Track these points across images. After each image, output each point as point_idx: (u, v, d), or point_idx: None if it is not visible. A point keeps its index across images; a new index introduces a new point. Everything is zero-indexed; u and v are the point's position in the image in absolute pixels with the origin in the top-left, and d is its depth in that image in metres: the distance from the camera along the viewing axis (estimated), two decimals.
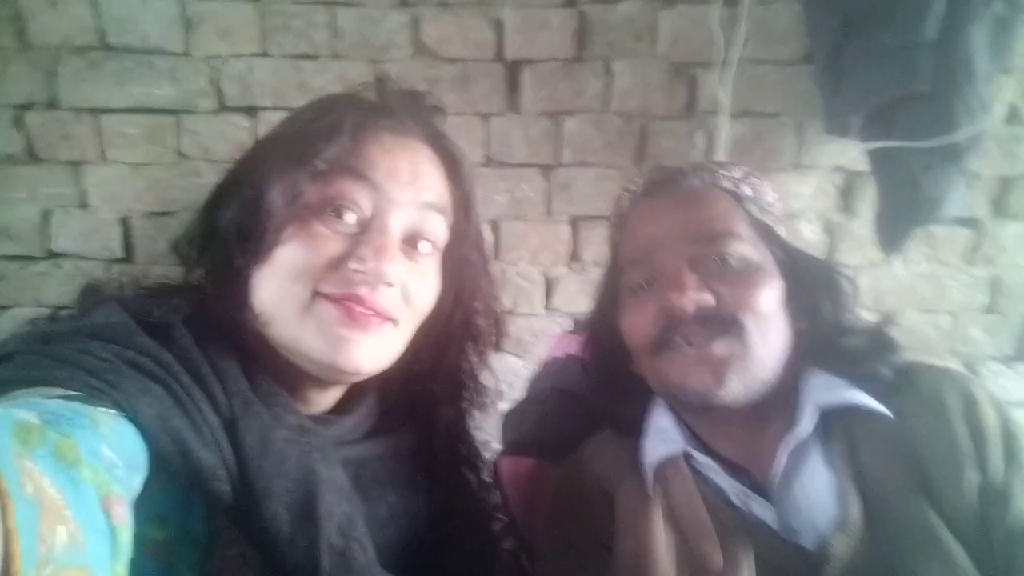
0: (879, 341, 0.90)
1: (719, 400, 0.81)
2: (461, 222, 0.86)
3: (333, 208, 0.75)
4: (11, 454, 0.44)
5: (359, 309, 0.74)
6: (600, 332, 0.99)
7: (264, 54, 1.72)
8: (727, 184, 0.91)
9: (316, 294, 0.74)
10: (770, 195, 0.93)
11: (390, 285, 0.75)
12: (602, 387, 1.02)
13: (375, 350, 0.77)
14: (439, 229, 0.82)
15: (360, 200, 0.76)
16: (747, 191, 0.91)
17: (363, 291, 0.73)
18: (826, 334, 0.89)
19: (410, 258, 0.79)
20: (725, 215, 0.87)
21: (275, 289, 0.74)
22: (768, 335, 0.83)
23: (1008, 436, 0.80)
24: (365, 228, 0.76)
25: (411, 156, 0.80)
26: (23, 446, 0.46)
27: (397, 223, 0.77)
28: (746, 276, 0.84)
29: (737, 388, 0.80)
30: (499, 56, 1.73)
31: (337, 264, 0.74)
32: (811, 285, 0.89)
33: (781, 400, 0.84)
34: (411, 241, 0.80)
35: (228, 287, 0.75)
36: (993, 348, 1.88)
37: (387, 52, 1.71)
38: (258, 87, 1.73)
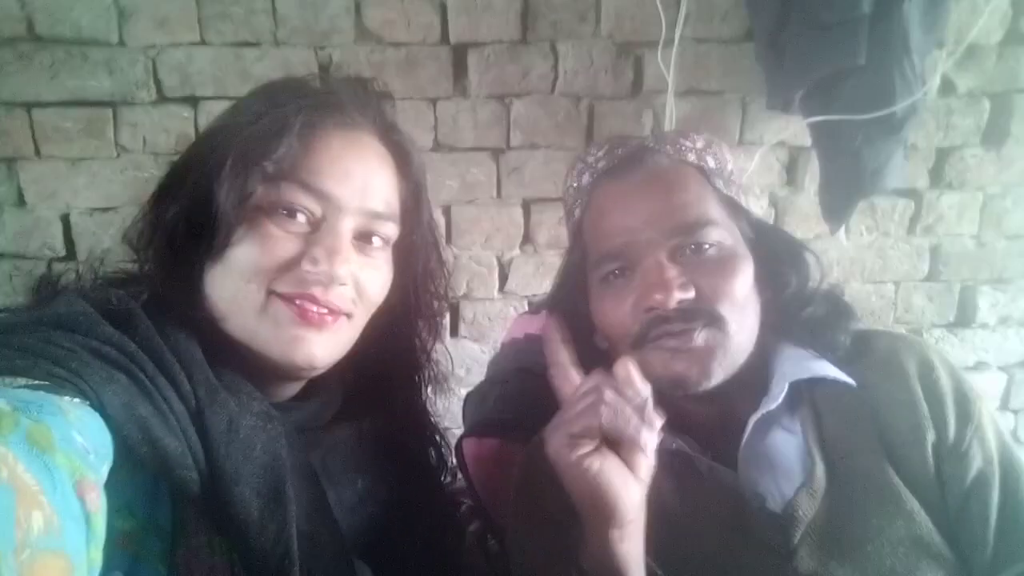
0: (838, 309, 0.92)
1: (702, 389, 0.82)
2: (412, 212, 0.87)
3: (284, 209, 0.75)
4: None
5: (313, 308, 0.75)
6: (563, 312, 0.98)
7: (203, 42, 1.68)
8: (692, 157, 0.90)
9: (270, 293, 0.75)
10: (731, 163, 0.93)
11: (343, 284, 0.76)
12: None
13: (329, 345, 0.78)
14: (389, 231, 0.83)
15: (310, 206, 0.76)
16: (712, 163, 0.90)
17: (317, 291, 0.75)
18: (790, 305, 0.91)
19: (362, 252, 0.80)
20: (698, 199, 0.86)
21: (229, 288, 0.75)
22: (744, 320, 0.84)
23: (961, 397, 0.83)
24: (316, 228, 0.76)
25: (361, 159, 0.80)
26: None
27: (347, 226, 0.78)
28: (723, 264, 0.84)
29: (719, 376, 0.82)
30: (444, 39, 1.71)
31: (290, 264, 0.75)
32: (777, 259, 0.90)
33: (749, 372, 0.85)
34: (363, 237, 0.81)
35: (179, 284, 0.75)
36: (936, 315, 1.95)
37: (330, 37, 1.68)
38: (198, 76, 1.69)
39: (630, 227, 0.86)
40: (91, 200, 1.73)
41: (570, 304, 0.96)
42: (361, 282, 0.79)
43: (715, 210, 0.87)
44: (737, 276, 0.84)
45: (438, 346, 1.00)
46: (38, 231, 1.73)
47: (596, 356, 0.92)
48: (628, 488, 0.71)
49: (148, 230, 0.78)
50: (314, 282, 0.74)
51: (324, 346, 0.77)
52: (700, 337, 0.81)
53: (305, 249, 0.75)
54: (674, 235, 0.84)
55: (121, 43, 1.66)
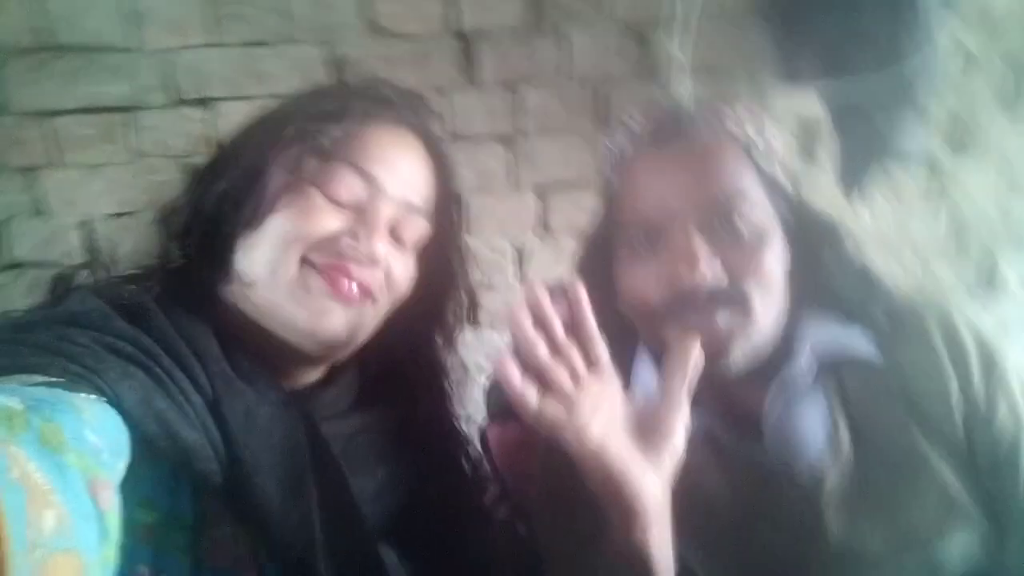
0: (873, 286, 0.90)
1: (722, 371, 0.80)
2: (445, 222, 0.90)
3: (333, 184, 0.78)
4: None
5: (345, 281, 0.76)
6: (587, 277, 0.97)
7: (216, 44, 1.70)
8: (735, 130, 0.87)
9: (304, 262, 0.76)
10: (775, 140, 0.90)
11: (377, 263, 0.78)
12: None
13: (353, 323, 0.79)
14: (419, 226, 0.85)
15: (356, 187, 0.79)
16: (755, 138, 0.87)
17: (352, 266, 0.76)
18: (826, 283, 0.89)
19: (393, 244, 0.82)
20: (735, 174, 0.83)
21: (263, 254, 0.76)
22: (770, 303, 0.82)
23: (985, 357, 0.82)
24: (359, 210, 0.78)
25: (408, 154, 0.84)
26: (8, 431, 0.46)
27: (387, 212, 0.80)
28: (754, 243, 0.81)
29: (739, 360, 0.80)
30: (453, 29, 1.72)
31: (331, 236, 0.76)
32: (815, 240, 0.88)
33: (774, 350, 0.84)
34: (396, 229, 0.82)
35: (212, 252, 0.77)
36: (958, 282, 1.92)
37: (340, 33, 1.70)
38: (212, 78, 1.70)
39: (662, 195, 0.83)
40: (110, 206, 1.74)
41: (595, 270, 0.94)
42: (391, 269, 0.81)
43: (751, 186, 0.84)
44: (767, 256, 0.81)
45: (460, 336, 1.00)
46: (59, 239, 1.74)
47: (620, 324, 0.91)
48: (646, 478, 0.69)
49: (189, 207, 0.80)
50: (352, 256, 0.76)
51: (348, 322, 0.78)
52: (722, 318, 0.79)
53: (347, 225, 0.77)
54: (706, 208, 0.81)
55: (136, 48, 1.68)
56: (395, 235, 0.83)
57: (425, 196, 0.85)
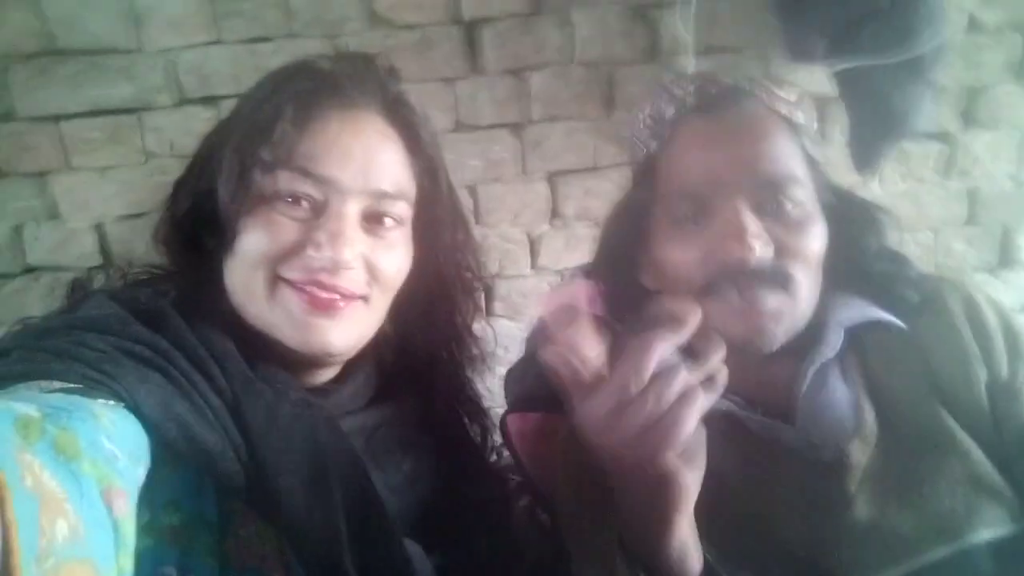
0: (902, 265, 0.90)
1: (760, 351, 0.80)
2: (428, 188, 0.86)
3: (285, 196, 0.75)
4: (11, 447, 0.44)
5: (322, 294, 0.74)
6: (616, 253, 0.96)
7: (218, 41, 1.68)
8: (784, 110, 0.86)
9: (279, 279, 0.75)
10: (815, 122, 0.90)
11: (349, 268, 0.75)
12: (615, 309, 0.98)
13: (346, 331, 0.77)
14: (399, 210, 0.81)
15: (309, 191, 0.75)
16: (801, 119, 0.87)
17: (323, 276, 0.74)
18: (858, 263, 0.89)
19: (373, 234, 0.79)
20: (788, 153, 0.83)
21: (241, 277, 0.76)
22: (813, 285, 0.82)
23: (1009, 332, 0.82)
24: (320, 213, 0.75)
25: (362, 138, 0.78)
26: (23, 439, 0.46)
27: (352, 209, 0.76)
28: (802, 225, 0.81)
29: (780, 341, 0.80)
30: (456, 18, 1.70)
31: (296, 249, 0.74)
32: (853, 223, 0.88)
33: (805, 328, 0.83)
34: (373, 219, 0.79)
35: (201, 278, 0.76)
36: (977, 259, 1.90)
37: (342, 26, 1.68)
38: (216, 76, 1.69)
39: (715, 168, 0.81)
40: (121, 208, 1.74)
41: (624, 245, 0.93)
42: (374, 264, 0.78)
43: (800, 167, 0.83)
44: (814, 238, 0.81)
45: (479, 324, 0.99)
46: (73, 242, 1.75)
47: (636, 300, 0.90)
48: (693, 470, 0.66)
49: (164, 227, 0.80)
50: (319, 268, 0.74)
51: (339, 332, 0.76)
52: (770, 300, 0.78)
53: (309, 234, 0.74)
54: (760, 185, 0.80)
55: (138, 49, 1.67)
56: (373, 225, 0.79)
57: (395, 177, 0.80)
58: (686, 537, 0.69)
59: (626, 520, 0.72)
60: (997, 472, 0.77)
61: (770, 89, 0.87)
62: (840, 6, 1.41)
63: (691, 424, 0.60)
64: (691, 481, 0.66)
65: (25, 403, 0.50)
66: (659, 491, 0.65)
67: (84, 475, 0.49)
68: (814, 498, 0.79)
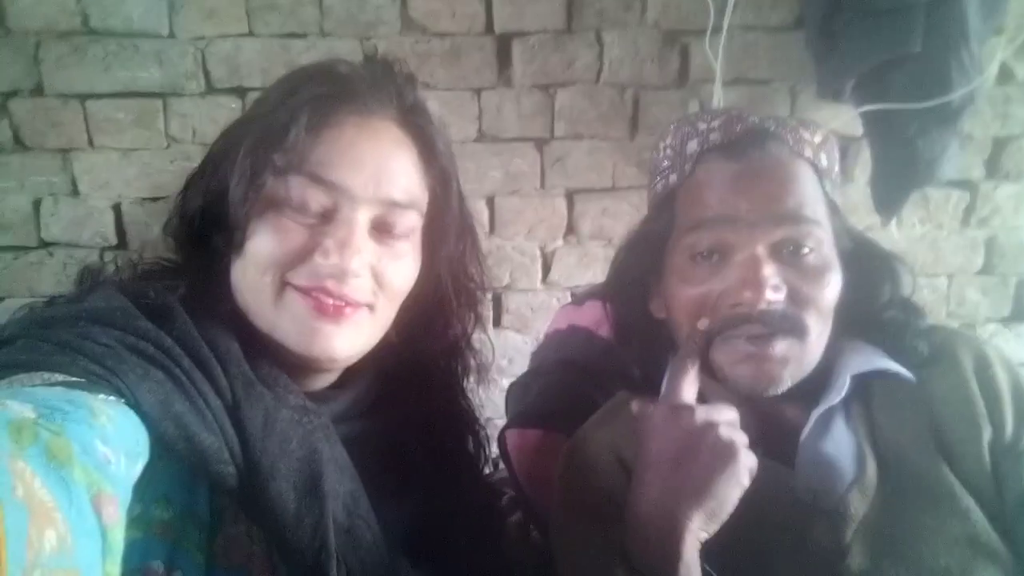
0: (914, 314, 0.88)
1: (766, 394, 0.79)
2: (440, 198, 0.85)
3: (295, 201, 0.74)
4: (4, 456, 0.45)
5: (329, 301, 0.74)
6: (628, 279, 0.95)
7: (251, 34, 1.69)
8: (808, 152, 0.83)
9: (287, 284, 0.74)
10: (838, 165, 0.88)
11: (357, 276, 0.75)
12: (621, 335, 0.99)
13: (350, 338, 0.77)
14: (409, 219, 0.80)
15: (320, 198, 0.74)
16: (824, 162, 0.85)
17: (330, 283, 0.73)
18: (869, 311, 0.88)
19: (382, 242, 0.78)
20: (810, 197, 0.81)
21: (249, 280, 0.75)
22: (824, 331, 0.81)
23: (1018, 393, 0.81)
24: (329, 219, 0.75)
25: (375, 146, 0.77)
26: (15, 444, 0.46)
27: (362, 217, 0.76)
28: (819, 271, 0.80)
29: (787, 386, 0.79)
30: (489, 29, 1.71)
31: (304, 255, 0.74)
32: (870, 270, 0.87)
33: (811, 375, 0.82)
34: (382, 227, 0.78)
35: (208, 277, 0.76)
36: (990, 309, 1.89)
37: (375, 28, 1.69)
38: (246, 67, 1.70)
39: (736, 208, 0.80)
40: (141, 190, 1.76)
41: (637, 272, 0.92)
42: (381, 273, 0.77)
43: (821, 211, 0.82)
44: (829, 286, 0.80)
45: (480, 335, 0.98)
46: (91, 220, 1.76)
47: (651, 328, 0.91)
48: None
49: (175, 221, 0.80)
50: (327, 275, 0.73)
51: (343, 339, 0.76)
52: (779, 346, 0.78)
53: (317, 240, 0.74)
54: (779, 229, 0.79)
55: (171, 35, 1.69)
56: (382, 234, 0.78)
57: (407, 186, 0.79)
58: (692, 560, 0.71)
59: (633, 539, 0.73)
60: (996, 533, 0.76)
61: (796, 130, 0.85)
62: (874, 48, 1.41)
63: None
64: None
65: (22, 401, 0.50)
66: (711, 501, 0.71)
67: (75, 482, 0.49)
68: (809, 544, 0.78)
